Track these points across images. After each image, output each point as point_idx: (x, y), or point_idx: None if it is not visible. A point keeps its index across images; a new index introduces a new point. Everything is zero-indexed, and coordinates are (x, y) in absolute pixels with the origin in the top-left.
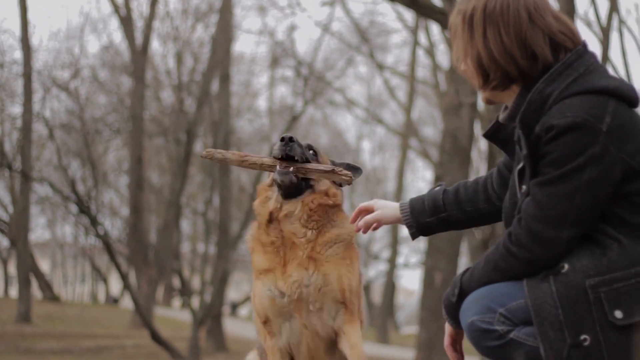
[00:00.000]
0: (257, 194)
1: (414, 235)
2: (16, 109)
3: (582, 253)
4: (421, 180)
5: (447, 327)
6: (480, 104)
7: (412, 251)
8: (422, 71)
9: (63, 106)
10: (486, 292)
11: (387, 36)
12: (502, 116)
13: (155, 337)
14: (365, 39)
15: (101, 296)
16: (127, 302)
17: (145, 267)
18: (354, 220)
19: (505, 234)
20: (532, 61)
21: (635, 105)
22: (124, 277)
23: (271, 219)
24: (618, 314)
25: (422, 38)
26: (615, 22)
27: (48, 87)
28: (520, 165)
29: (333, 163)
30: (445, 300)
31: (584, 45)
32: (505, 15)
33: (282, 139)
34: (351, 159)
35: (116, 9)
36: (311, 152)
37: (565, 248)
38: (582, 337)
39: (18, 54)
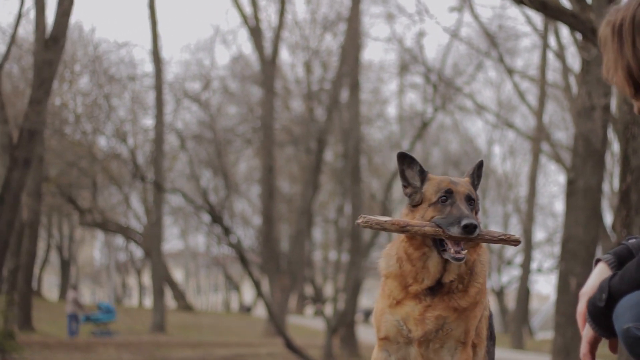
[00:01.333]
0: (409, 237)
1: None
2: (148, 121)
3: None
4: (553, 184)
5: (587, 334)
6: (614, 106)
7: (546, 256)
8: (553, 74)
9: (194, 117)
10: None
11: (516, 40)
12: None
13: (290, 345)
14: (494, 43)
15: (234, 305)
16: (260, 311)
17: (278, 276)
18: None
19: None
20: None
21: None
22: (257, 285)
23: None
24: None
25: (552, 41)
26: None
27: (179, 98)
28: None
29: (472, 176)
30: (591, 306)
31: None
32: None
33: (466, 227)
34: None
35: (245, 20)
36: (471, 202)
37: None
38: None
39: (149, 67)
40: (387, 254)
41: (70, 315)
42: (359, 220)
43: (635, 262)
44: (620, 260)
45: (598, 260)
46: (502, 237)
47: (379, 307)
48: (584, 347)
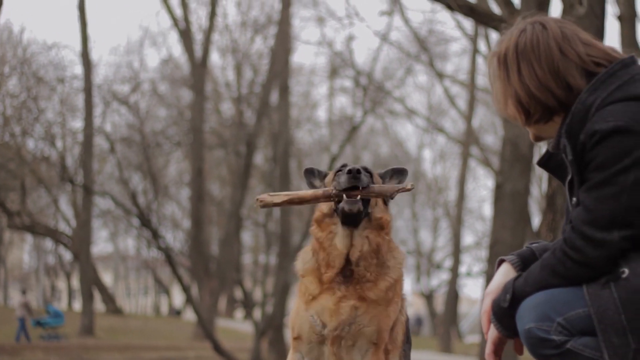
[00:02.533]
0: (317, 222)
1: None
2: (77, 124)
3: None
4: (482, 188)
5: (491, 335)
6: None
7: (475, 260)
8: (483, 79)
9: (124, 120)
10: (545, 299)
11: (446, 44)
12: (550, 145)
13: (218, 348)
14: (424, 47)
15: (164, 308)
16: (190, 314)
17: (207, 279)
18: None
19: (561, 240)
20: (568, 91)
21: None
22: (186, 289)
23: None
24: None
25: (482, 46)
26: None
27: (108, 101)
28: (569, 177)
29: (382, 176)
30: (495, 306)
31: (631, 58)
32: (536, 49)
33: (350, 172)
34: (412, 169)
35: (175, 22)
36: (367, 173)
37: (619, 249)
38: None
39: (78, 69)
40: (303, 251)
41: (20, 319)
42: (256, 204)
43: (538, 265)
44: (524, 262)
45: (502, 261)
46: (397, 188)
47: (295, 308)
48: (488, 348)
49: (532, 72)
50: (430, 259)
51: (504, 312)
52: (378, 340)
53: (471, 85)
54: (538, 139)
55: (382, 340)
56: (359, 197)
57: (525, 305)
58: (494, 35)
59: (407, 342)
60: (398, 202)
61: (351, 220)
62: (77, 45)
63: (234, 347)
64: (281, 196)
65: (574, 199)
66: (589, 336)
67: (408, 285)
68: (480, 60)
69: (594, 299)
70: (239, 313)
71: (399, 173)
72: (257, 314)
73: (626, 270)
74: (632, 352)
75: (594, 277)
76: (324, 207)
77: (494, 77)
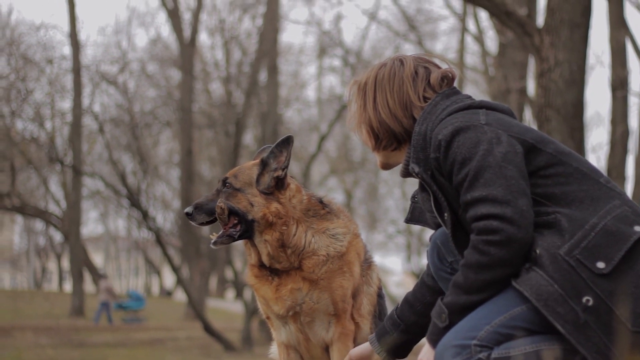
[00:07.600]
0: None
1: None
2: (66, 104)
3: (544, 236)
4: None
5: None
6: (530, 90)
7: None
8: (471, 58)
9: (112, 100)
10: (452, 335)
11: (435, 23)
12: (400, 172)
13: (208, 328)
14: (413, 26)
15: (155, 289)
16: (180, 295)
17: (198, 259)
18: None
19: (472, 239)
20: (413, 120)
21: (509, 113)
22: (176, 270)
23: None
24: (600, 264)
25: (471, 25)
26: None
27: (97, 81)
28: (432, 199)
29: (264, 161)
30: (434, 330)
31: (451, 90)
32: (391, 82)
33: (186, 214)
34: None
35: (163, 2)
36: (225, 188)
37: (530, 216)
38: (585, 299)
39: (67, 50)
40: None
41: (103, 303)
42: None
43: (459, 276)
44: (380, 340)
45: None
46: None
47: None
48: None
49: (385, 101)
50: (420, 238)
51: (442, 333)
52: (336, 311)
53: (460, 64)
54: (386, 166)
55: (342, 310)
56: (215, 235)
57: (438, 351)
58: (482, 14)
59: (380, 319)
60: (388, 182)
61: (244, 236)
62: (65, 26)
63: (225, 327)
64: None
65: (446, 215)
66: (505, 343)
67: (398, 265)
68: (469, 40)
69: (525, 284)
70: (230, 293)
71: (282, 145)
72: (248, 294)
73: (538, 250)
74: (580, 311)
75: (515, 263)
76: None
77: (352, 102)
